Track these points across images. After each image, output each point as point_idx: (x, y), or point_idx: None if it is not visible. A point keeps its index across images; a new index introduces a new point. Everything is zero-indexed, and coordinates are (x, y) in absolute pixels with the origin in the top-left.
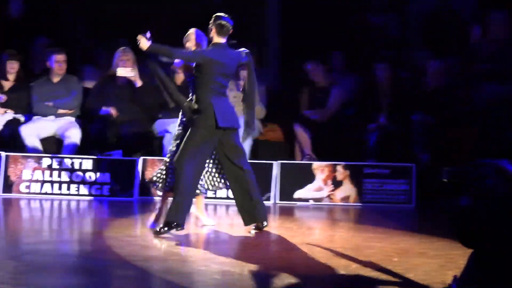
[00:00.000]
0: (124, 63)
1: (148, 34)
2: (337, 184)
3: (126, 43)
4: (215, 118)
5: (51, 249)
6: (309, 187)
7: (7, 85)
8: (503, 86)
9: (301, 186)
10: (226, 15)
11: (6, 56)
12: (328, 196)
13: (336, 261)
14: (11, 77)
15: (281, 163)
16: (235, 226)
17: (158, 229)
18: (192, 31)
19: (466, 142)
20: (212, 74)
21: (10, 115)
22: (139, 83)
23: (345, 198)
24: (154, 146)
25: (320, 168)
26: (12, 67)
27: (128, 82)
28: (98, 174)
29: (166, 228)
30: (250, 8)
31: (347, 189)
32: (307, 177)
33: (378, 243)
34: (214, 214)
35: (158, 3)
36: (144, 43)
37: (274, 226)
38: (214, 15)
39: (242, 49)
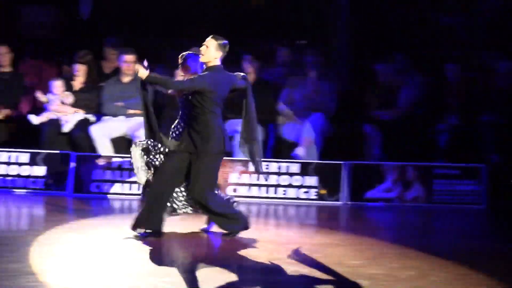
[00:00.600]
0: None
1: (146, 63)
2: (407, 184)
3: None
4: (224, 142)
5: (120, 246)
6: (379, 187)
7: (77, 85)
8: None
9: (371, 186)
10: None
11: (77, 57)
12: (398, 196)
13: (407, 262)
14: (81, 77)
15: (351, 163)
16: (304, 227)
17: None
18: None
19: None
20: (211, 99)
21: (80, 115)
22: None
23: (415, 199)
24: None
25: (390, 169)
26: (82, 68)
27: None
28: None
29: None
30: (319, 9)
31: (417, 189)
32: (377, 177)
33: (449, 243)
34: (269, 214)
35: (227, 2)
36: (142, 72)
37: (344, 226)
38: (213, 36)
39: (239, 73)
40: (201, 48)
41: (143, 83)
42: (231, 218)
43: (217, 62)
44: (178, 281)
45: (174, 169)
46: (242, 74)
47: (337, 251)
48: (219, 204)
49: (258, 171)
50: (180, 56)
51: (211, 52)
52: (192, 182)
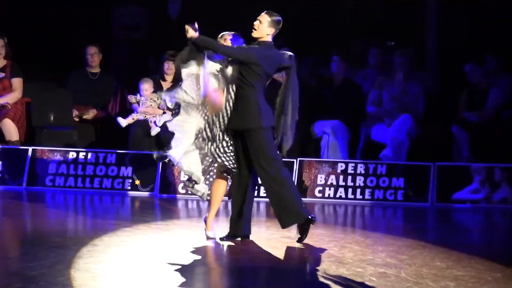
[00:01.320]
0: None
1: (196, 25)
2: (494, 186)
3: (287, 45)
4: (261, 117)
5: (208, 246)
6: (467, 189)
7: (165, 85)
8: None
9: (459, 187)
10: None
11: (165, 57)
12: (486, 198)
13: (494, 264)
14: (170, 77)
15: (439, 164)
16: (391, 228)
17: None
18: (227, 34)
19: None
20: (255, 72)
21: (168, 116)
22: None
23: (503, 200)
24: (311, 147)
25: (477, 170)
26: (171, 68)
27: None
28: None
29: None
30: (410, 11)
31: (505, 191)
32: (465, 178)
33: None
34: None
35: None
36: (191, 32)
37: (431, 228)
38: (267, 12)
39: (287, 52)
40: (254, 23)
41: (197, 47)
42: (298, 204)
43: (269, 38)
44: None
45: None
46: (289, 53)
47: (424, 253)
48: (290, 183)
49: (277, 142)
50: (220, 35)
51: (264, 27)
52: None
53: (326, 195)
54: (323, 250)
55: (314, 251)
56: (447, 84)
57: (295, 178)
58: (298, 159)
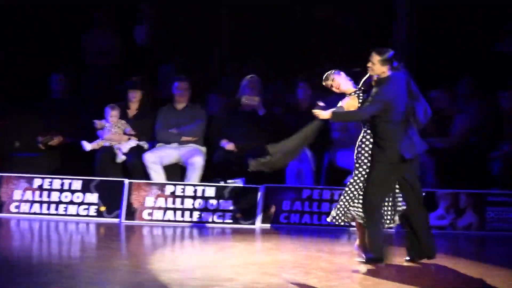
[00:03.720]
0: (251, 91)
1: (322, 103)
2: (459, 212)
3: (253, 71)
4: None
5: (172, 276)
6: (432, 215)
7: (131, 112)
8: None
9: None
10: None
11: (130, 84)
12: (451, 224)
13: None
14: (135, 104)
15: None
16: (357, 255)
17: (364, 261)
18: (331, 74)
19: None
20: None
21: (134, 142)
22: (262, 111)
23: (468, 227)
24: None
25: (443, 196)
26: (135, 95)
27: (252, 110)
28: (220, 201)
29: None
30: (377, 36)
31: (470, 217)
32: (430, 205)
33: (500, 271)
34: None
35: (288, 33)
36: (323, 114)
37: (397, 254)
38: (375, 51)
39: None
40: (368, 65)
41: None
42: (377, 240)
43: (387, 73)
44: None
45: None
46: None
47: (390, 279)
48: (379, 217)
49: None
50: (325, 77)
51: (377, 67)
52: None
53: (292, 221)
54: (285, 276)
55: (277, 277)
56: None
57: (259, 204)
58: (264, 185)
